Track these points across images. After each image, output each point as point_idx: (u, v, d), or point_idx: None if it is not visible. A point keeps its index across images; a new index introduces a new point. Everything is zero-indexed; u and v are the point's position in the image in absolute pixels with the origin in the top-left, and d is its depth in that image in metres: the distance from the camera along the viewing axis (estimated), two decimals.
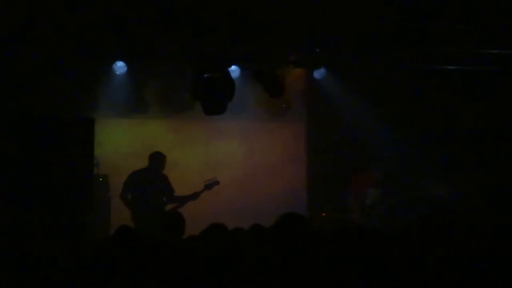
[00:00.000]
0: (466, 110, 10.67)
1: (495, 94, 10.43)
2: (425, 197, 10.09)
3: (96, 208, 9.21)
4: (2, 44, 8.99)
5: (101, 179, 9.93)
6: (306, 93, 11.29)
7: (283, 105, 11.11)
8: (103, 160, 9.96)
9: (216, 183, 9.94)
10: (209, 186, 9.89)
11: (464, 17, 8.93)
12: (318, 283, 3.85)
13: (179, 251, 4.62)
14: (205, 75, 9.50)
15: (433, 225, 4.33)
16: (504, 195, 9.78)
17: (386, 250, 3.92)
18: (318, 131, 11.29)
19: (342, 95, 10.77)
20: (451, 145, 10.63)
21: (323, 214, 10.49)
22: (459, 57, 10.02)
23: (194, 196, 9.74)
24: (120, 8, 8.70)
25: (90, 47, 9.38)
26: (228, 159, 11.08)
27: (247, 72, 10.43)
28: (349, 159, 10.86)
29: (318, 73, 10.76)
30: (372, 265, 3.78)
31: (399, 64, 10.29)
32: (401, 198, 9.95)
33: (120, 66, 10.27)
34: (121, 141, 10.74)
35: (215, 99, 9.47)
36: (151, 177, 9.64)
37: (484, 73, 10.31)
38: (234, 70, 10.31)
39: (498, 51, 9.81)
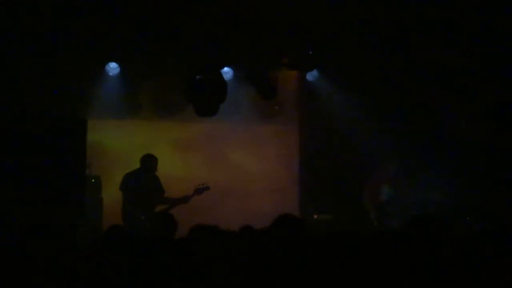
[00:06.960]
0: (464, 113, 10.56)
1: (494, 97, 10.27)
2: (422, 200, 10.01)
3: (88, 209, 9.22)
4: None
5: (93, 180, 9.92)
6: (299, 95, 11.31)
7: (276, 107, 11.12)
8: (95, 161, 9.96)
9: (207, 188, 9.90)
10: (199, 190, 9.85)
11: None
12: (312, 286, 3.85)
13: (169, 252, 4.62)
14: (197, 77, 9.51)
15: (428, 227, 4.32)
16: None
17: (382, 252, 3.93)
18: (310, 133, 11.30)
19: (335, 97, 10.79)
20: (445, 145, 10.55)
21: (315, 216, 10.51)
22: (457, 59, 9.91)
23: (185, 199, 9.72)
24: (114, 10, 8.71)
25: (83, 48, 9.38)
26: (219, 161, 11.08)
27: (240, 74, 10.44)
28: (342, 160, 10.87)
29: (311, 75, 10.79)
30: (368, 268, 3.79)
31: (393, 66, 10.27)
32: (416, 196, 9.87)
33: (113, 68, 10.27)
34: (114, 142, 10.73)
35: (207, 100, 9.49)
36: (143, 179, 9.63)
37: (484, 76, 10.16)
38: (227, 72, 10.31)
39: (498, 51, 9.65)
